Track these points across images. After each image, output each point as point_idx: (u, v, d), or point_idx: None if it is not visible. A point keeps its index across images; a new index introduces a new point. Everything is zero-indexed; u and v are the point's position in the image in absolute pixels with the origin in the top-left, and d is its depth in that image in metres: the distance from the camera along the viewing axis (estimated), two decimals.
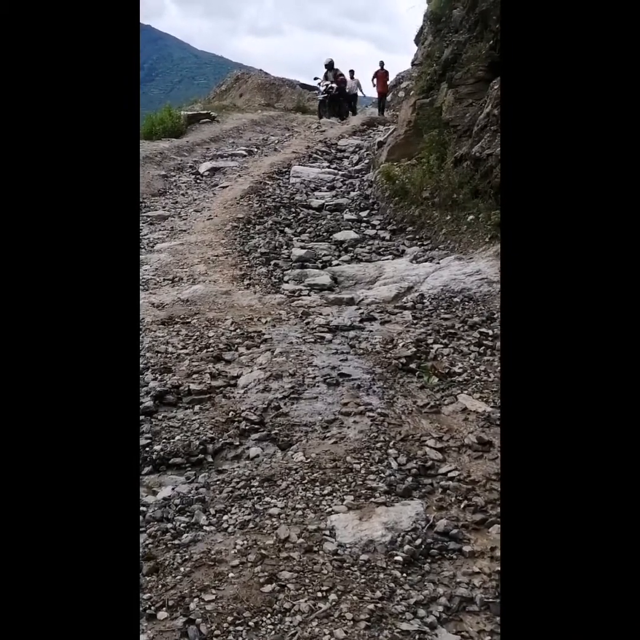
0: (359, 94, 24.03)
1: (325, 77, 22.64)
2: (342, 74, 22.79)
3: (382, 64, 23.00)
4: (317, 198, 10.97)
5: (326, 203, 10.64)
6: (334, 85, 22.13)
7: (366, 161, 13.01)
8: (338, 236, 9.11)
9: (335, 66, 23.06)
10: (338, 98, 22.38)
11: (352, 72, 23.64)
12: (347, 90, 22.90)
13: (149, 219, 10.34)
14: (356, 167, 12.98)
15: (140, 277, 7.53)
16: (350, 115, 22.38)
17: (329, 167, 13.31)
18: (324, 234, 9.27)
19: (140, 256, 8.41)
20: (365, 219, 9.84)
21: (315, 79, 24.98)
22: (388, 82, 23.19)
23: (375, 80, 22.56)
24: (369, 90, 24.21)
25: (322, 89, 22.52)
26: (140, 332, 5.80)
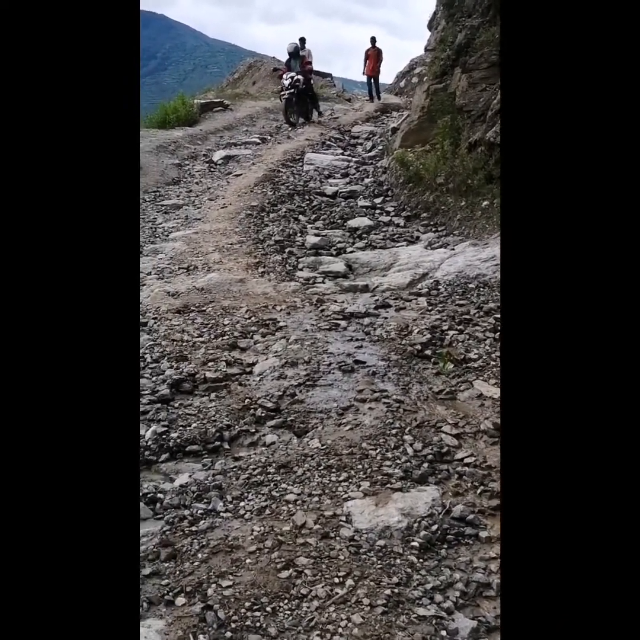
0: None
1: (289, 67, 17.89)
2: (309, 62, 18.04)
3: (373, 40, 19.97)
4: (331, 185, 10.95)
5: (340, 190, 10.61)
6: (300, 77, 17.15)
7: (380, 148, 12.96)
8: (352, 223, 9.09)
9: (307, 46, 18.30)
10: (306, 93, 17.60)
11: (302, 40, 18.43)
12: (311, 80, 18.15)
13: (163, 208, 10.35)
14: (370, 154, 12.93)
15: (156, 266, 7.56)
16: (314, 115, 18.14)
17: (342, 154, 13.27)
18: (338, 221, 9.26)
19: (156, 245, 8.45)
20: (379, 205, 9.81)
21: (275, 70, 21.18)
22: (381, 62, 20.17)
23: (366, 59, 19.95)
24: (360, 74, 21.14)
25: (286, 83, 17.14)
26: (157, 321, 5.83)
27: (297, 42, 18.12)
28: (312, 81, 18.21)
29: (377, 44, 19.95)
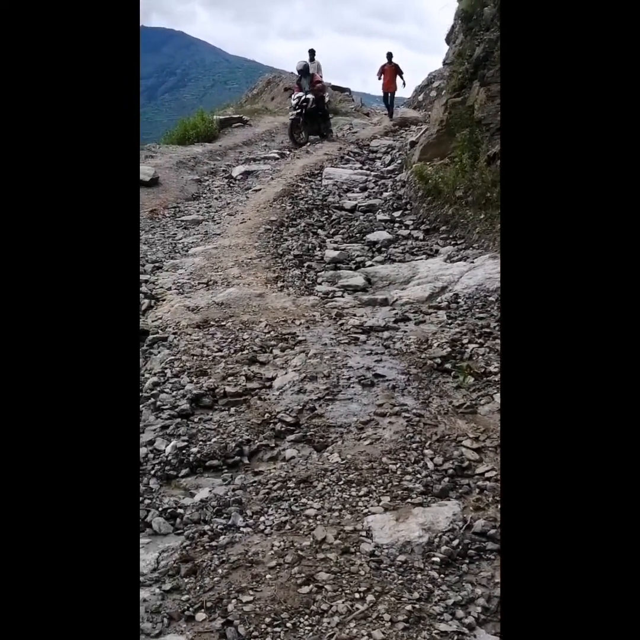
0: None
1: (300, 87, 17.19)
2: (320, 80, 17.39)
3: (389, 56, 19.17)
4: (349, 199, 10.96)
5: (359, 204, 10.62)
6: (309, 96, 16.54)
7: (399, 161, 12.97)
8: (371, 237, 9.09)
9: (316, 58, 17.86)
10: (316, 112, 16.86)
11: (312, 53, 18.16)
12: (326, 98, 17.56)
13: (183, 224, 10.42)
14: (389, 168, 12.94)
15: (176, 281, 7.60)
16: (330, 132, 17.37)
17: (361, 168, 13.29)
18: (357, 235, 9.26)
19: (176, 260, 8.49)
20: (398, 219, 9.80)
21: (286, 89, 20.59)
22: (398, 78, 19.29)
23: (381, 76, 19.14)
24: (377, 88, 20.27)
25: (293, 102, 16.69)
26: (177, 336, 5.85)
27: (307, 55, 17.87)
28: (326, 98, 17.63)
29: (394, 59, 19.31)
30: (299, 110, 16.42)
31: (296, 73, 17.64)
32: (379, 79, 19.22)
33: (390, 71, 19.08)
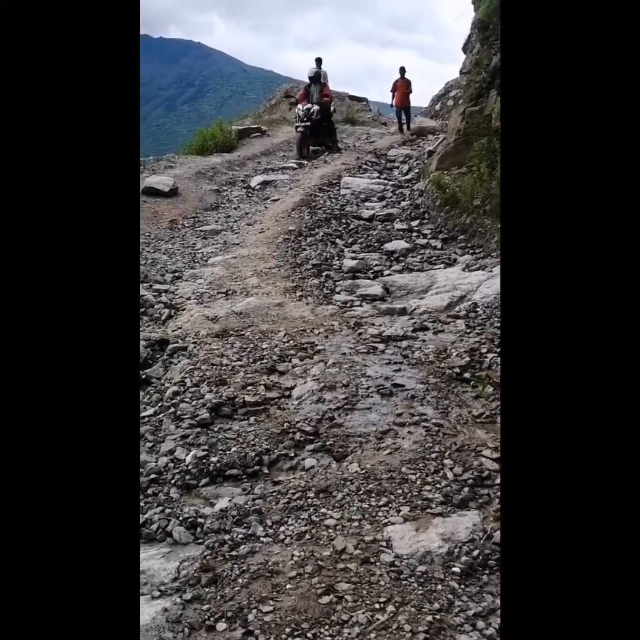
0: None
1: (308, 91, 16.75)
2: (328, 94, 16.90)
3: (402, 71, 18.83)
4: (367, 208, 10.97)
5: (377, 213, 10.63)
6: (316, 106, 16.06)
7: (416, 171, 12.97)
8: (389, 246, 9.09)
9: (323, 67, 17.30)
10: (321, 123, 16.35)
11: (319, 61, 17.57)
12: (331, 108, 17.07)
13: (202, 233, 10.47)
14: (406, 177, 12.95)
15: (195, 291, 7.64)
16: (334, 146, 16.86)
17: (379, 177, 13.30)
18: (375, 244, 9.26)
19: (195, 270, 8.54)
20: (416, 228, 9.80)
21: (288, 96, 20.10)
22: (410, 93, 18.89)
23: (394, 90, 18.73)
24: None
25: (300, 114, 16.09)
26: (196, 345, 5.88)
27: (318, 70, 17.21)
28: (332, 108, 17.22)
29: (407, 75, 18.94)
30: (307, 123, 16.01)
31: (307, 80, 17.18)
32: (393, 96, 18.88)
33: (403, 87, 18.76)
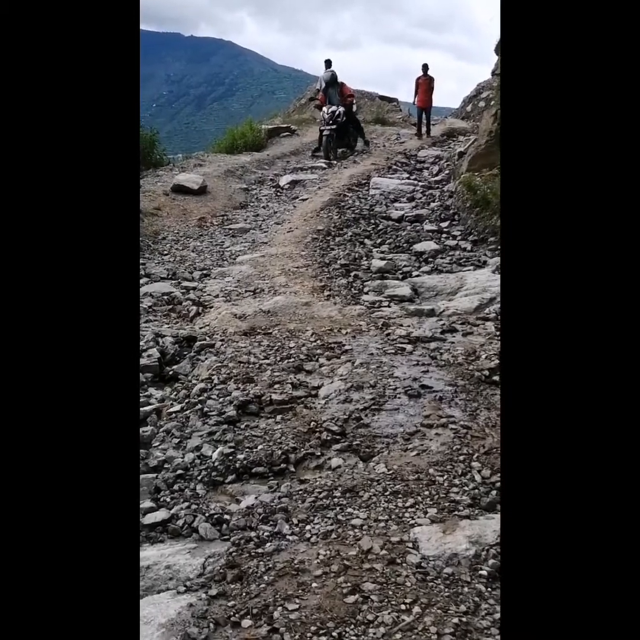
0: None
1: (328, 97, 16.48)
2: (352, 94, 17.01)
3: (425, 68, 17.69)
4: (396, 209, 10.95)
5: (406, 214, 10.60)
6: (340, 108, 16.00)
7: (446, 172, 12.92)
8: (418, 247, 9.05)
9: (333, 67, 17.00)
10: (347, 126, 16.37)
11: (328, 63, 17.20)
12: (354, 108, 17.05)
13: (231, 232, 10.51)
14: (436, 178, 12.90)
15: (223, 289, 7.67)
16: (360, 143, 17.00)
17: (408, 178, 13.27)
18: (404, 245, 9.23)
19: (223, 268, 8.57)
20: (445, 229, 9.76)
21: (311, 100, 19.94)
22: (433, 91, 17.88)
23: (417, 89, 17.75)
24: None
25: (326, 117, 16.00)
26: (224, 343, 5.90)
27: (334, 71, 16.95)
28: (354, 108, 17.13)
29: (433, 73, 17.84)
30: (333, 126, 15.86)
31: (323, 83, 16.90)
32: (415, 94, 17.83)
33: (425, 84, 17.69)
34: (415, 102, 18.09)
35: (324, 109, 16.26)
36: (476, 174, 10.57)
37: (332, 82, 16.63)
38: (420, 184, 12.61)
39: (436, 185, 12.31)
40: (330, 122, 15.88)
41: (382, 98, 26.95)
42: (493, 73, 18.29)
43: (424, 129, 18.17)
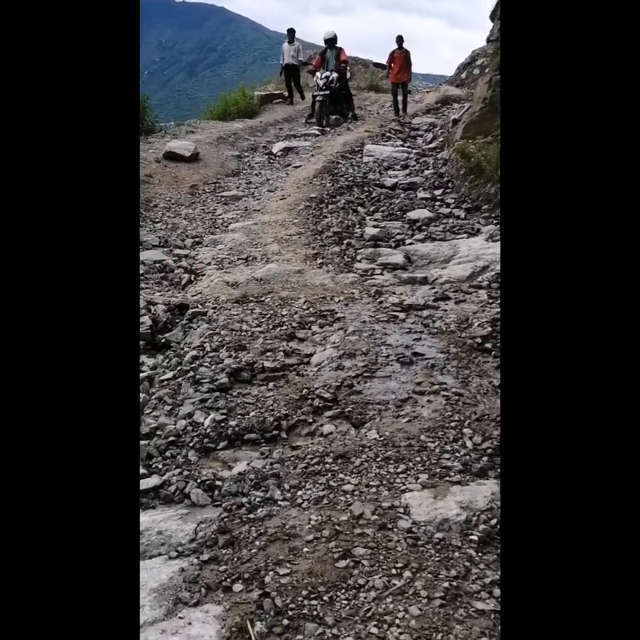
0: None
1: (323, 58, 16.17)
2: (346, 60, 16.37)
3: (399, 40, 16.14)
4: (390, 177, 10.87)
5: (399, 182, 10.53)
6: (334, 74, 15.60)
7: (440, 139, 12.82)
8: (412, 215, 9.00)
9: (296, 41, 17.43)
10: (340, 92, 15.96)
11: (291, 32, 17.72)
12: (348, 75, 16.48)
13: (223, 199, 10.44)
14: (430, 146, 12.80)
15: (215, 256, 7.64)
16: (349, 115, 16.38)
17: (402, 145, 13.17)
18: (397, 212, 9.18)
19: (215, 236, 8.53)
20: (439, 197, 9.70)
21: (305, 64, 19.09)
22: (410, 66, 16.37)
23: (391, 64, 16.29)
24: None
25: (320, 82, 15.61)
26: (216, 311, 5.88)
27: (334, 31, 16.35)
28: (348, 75, 16.73)
29: (405, 45, 16.31)
30: (326, 91, 15.52)
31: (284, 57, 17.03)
32: (389, 67, 16.47)
33: (400, 58, 16.16)
34: (389, 77, 16.90)
35: (317, 74, 15.96)
36: (470, 141, 10.48)
37: (331, 43, 16.21)
38: (414, 151, 12.52)
39: (430, 153, 12.23)
40: (324, 87, 15.61)
41: (377, 65, 26.58)
42: (488, 40, 18.05)
43: (401, 107, 16.51)
